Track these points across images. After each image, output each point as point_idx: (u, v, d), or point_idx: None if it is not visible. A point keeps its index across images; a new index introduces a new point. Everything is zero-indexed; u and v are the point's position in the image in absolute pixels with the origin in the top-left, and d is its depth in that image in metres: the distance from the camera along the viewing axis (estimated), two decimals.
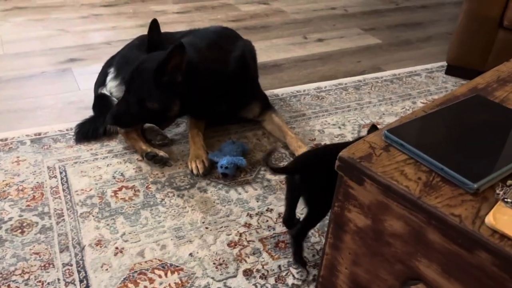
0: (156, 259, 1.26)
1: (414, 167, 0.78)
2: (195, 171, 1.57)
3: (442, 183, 0.75)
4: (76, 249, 1.28)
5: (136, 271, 1.23)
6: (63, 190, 1.48)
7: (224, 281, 1.22)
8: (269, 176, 1.60)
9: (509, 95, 1.03)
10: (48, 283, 1.18)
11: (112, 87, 1.87)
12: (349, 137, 1.85)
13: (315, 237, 1.37)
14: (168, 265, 1.25)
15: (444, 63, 2.47)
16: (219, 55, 1.73)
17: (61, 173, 1.55)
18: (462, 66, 2.38)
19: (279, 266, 1.27)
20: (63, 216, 1.38)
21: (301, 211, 1.33)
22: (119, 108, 1.61)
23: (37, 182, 1.50)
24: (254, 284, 1.21)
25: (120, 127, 1.67)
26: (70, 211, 1.40)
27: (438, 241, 0.72)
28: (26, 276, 1.19)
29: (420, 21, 3.24)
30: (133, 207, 1.44)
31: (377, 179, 0.76)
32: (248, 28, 2.87)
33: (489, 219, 0.67)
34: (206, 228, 1.38)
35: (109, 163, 1.61)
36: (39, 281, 1.18)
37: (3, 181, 1.50)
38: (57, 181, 1.51)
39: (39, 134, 1.73)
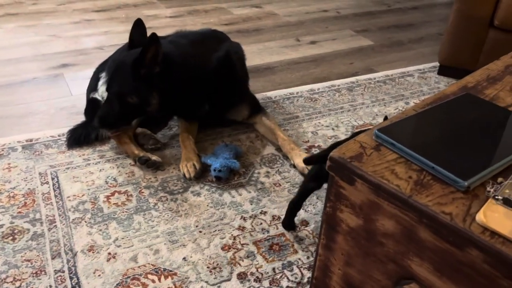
0: (149, 264, 1.25)
1: (405, 166, 0.78)
2: (187, 175, 1.56)
3: (433, 181, 0.74)
4: (68, 256, 1.26)
5: (129, 277, 1.21)
6: (55, 196, 1.47)
7: (218, 285, 1.21)
8: (262, 178, 1.60)
9: (498, 93, 1.03)
10: None
11: (104, 91, 1.86)
12: (343, 138, 1.84)
13: (310, 239, 1.36)
14: (162, 269, 1.24)
15: (436, 64, 2.48)
16: (200, 52, 1.72)
17: (53, 179, 1.54)
18: (454, 66, 2.39)
19: (273, 269, 1.26)
20: (55, 222, 1.37)
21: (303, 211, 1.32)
22: (103, 110, 1.61)
23: (29, 189, 1.49)
24: None
25: (107, 128, 1.65)
26: (62, 217, 1.39)
27: (429, 239, 0.71)
28: (17, 284, 1.18)
29: (411, 22, 3.25)
30: (126, 212, 1.43)
31: (368, 179, 0.76)
32: (241, 31, 2.87)
33: (480, 216, 0.67)
34: (200, 232, 1.37)
35: (101, 168, 1.60)
36: None
37: None
38: (49, 187, 1.50)
39: (31, 140, 1.72)
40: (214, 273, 1.24)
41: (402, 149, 0.79)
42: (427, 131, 0.86)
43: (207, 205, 1.47)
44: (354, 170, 0.77)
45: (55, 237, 1.32)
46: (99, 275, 1.21)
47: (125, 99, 1.57)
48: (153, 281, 1.21)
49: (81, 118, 1.84)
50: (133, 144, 1.67)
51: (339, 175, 0.81)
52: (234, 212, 1.45)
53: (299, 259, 1.29)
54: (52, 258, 1.25)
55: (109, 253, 1.28)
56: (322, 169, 1.19)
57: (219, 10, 3.23)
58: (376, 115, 2.03)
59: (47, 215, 1.39)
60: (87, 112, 1.86)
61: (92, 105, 1.87)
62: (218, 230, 1.38)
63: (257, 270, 1.25)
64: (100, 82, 1.89)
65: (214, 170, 1.55)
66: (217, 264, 1.26)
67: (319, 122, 1.95)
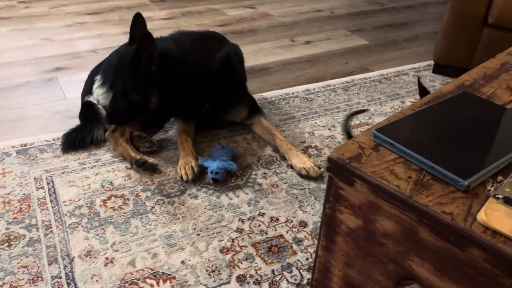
0: (147, 268, 1.24)
1: (404, 166, 0.77)
2: (184, 177, 1.55)
3: (433, 181, 0.74)
4: (65, 261, 1.25)
5: (127, 281, 1.20)
6: (51, 201, 1.45)
7: None
8: (260, 180, 1.59)
9: (495, 91, 1.03)
10: None
11: (99, 94, 1.85)
12: (339, 138, 1.84)
13: (308, 240, 1.36)
14: (160, 273, 1.23)
15: (431, 62, 2.49)
16: (202, 51, 1.72)
17: (48, 183, 1.52)
18: (449, 65, 2.39)
19: (273, 271, 1.25)
20: (51, 227, 1.35)
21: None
22: (111, 107, 1.64)
23: (24, 194, 1.48)
24: None
25: (117, 124, 1.66)
26: (58, 222, 1.37)
27: (430, 239, 0.71)
28: None
29: (406, 21, 3.26)
30: (123, 216, 1.41)
31: (367, 179, 0.75)
32: (235, 32, 2.86)
33: (481, 215, 0.66)
34: (198, 234, 1.36)
35: (97, 172, 1.59)
36: None
37: None
38: (44, 192, 1.49)
39: (25, 145, 1.71)
40: (213, 276, 1.23)
41: (401, 149, 0.79)
42: (426, 130, 0.86)
43: (205, 208, 1.46)
44: (353, 171, 0.77)
45: (51, 242, 1.31)
46: (97, 280, 1.20)
47: (128, 97, 1.58)
48: (152, 285, 1.20)
49: (76, 122, 1.83)
50: (129, 147, 1.65)
51: (338, 176, 0.80)
52: (232, 214, 1.44)
53: (298, 260, 1.29)
54: (49, 264, 1.24)
55: (107, 258, 1.27)
56: None
57: (213, 11, 3.22)
58: (372, 114, 2.03)
59: (43, 220, 1.38)
60: (82, 115, 1.85)
61: (87, 108, 1.86)
62: (216, 233, 1.37)
63: (256, 272, 1.25)
64: (95, 85, 1.87)
65: (211, 173, 1.54)
66: (216, 267, 1.25)
67: (316, 122, 1.95)
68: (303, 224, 1.41)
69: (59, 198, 1.47)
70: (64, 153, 1.67)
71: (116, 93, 1.62)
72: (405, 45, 2.85)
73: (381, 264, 0.81)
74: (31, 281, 1.19)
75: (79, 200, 1.47)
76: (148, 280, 1.21)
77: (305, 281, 1.23)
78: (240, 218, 1.43)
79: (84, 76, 2.03)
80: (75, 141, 1.68)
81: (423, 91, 1.92)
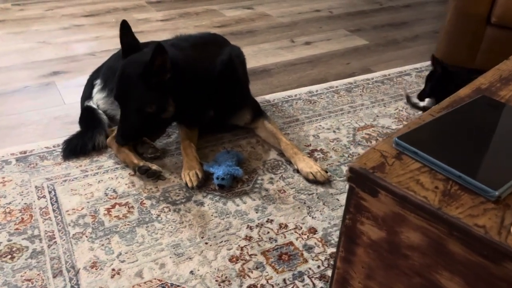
0: (155, 279, 1.21)
1: (430, 176, 0.74)
2: (189, 184, 1.51)
3: (461, 191, 0.71)
4: (70, 273, 1.21)
5: None
6: (53, 210, 1.41)
7: None
8: (266, 185, 1.56)
9: None
10: None
11: (99, 99, 1.81)
12: (345, 141, 1.82)
13: (319, 247, 1.33)
14: (169, 284, 1.19)
15: None
16: (204, 56, 1.69)
17: (50, 192, 1.48)
18: (451, 64, 2.37)
19: (284, 280, 1.22)
20: (55, 238, 1.31)
21: None
22: (123, 126, 1.57)
23: (25, 204, 1.44)
24: None
25: (132, 141, 1.62)
26: (62, 233, 1.33)
27: (460, 252, 0.68)
28: None
29: (405, 20, 3.24)
30: (128, 225, 1.38)
31: (393, 190, 0.72)
32: (234, 33, 2.83)
33: None
34: (206, 243, 1.32)
35: (100, 180, 1.55)
36: None
37: None
38: (46, 201, 1.45)
39: (25, 152, 1.66)
40: (223, 286, 1.20)
41: (425, 158, 0.76)
42: (449, 137, 0.83)
43: (212, 215, 1.43)
44: (378, 182, 0.74)
45: (55, 254, 1.27)
46: None
47: (144, 111, 1.53)
48: None
49: (76, 127, 1.79)
50: (132, 153, 1.62)
51: (360, 187, 0.77)
52: (239, 222, 1.41)
53: (310, 268, 1.26)
54: (54, 277, 1.20)
55: (113, 269, 1.23)
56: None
57: (211, 12, 3.18)
58: (377, 116, 2.01)
59: (46, 231, 1.34)
60: (82, 120, 1.81)
61: (87, 113, 1.82)
62: (225, 241, 1.33)
63: (267, 282, 1.22)
64: (95, 90, 1.84)
65: (217, 178, 1.51)
66: (226, 277, 1.22)
67: (320, 125, 1.92)
68: (313, 230, 1.38)
69: (62, 207, 1.43)
70: (65, 160, 1.63)
71: (127, 110, 1.55)
72: (405, 44, 2.84)
73: (405, 276, 0.78)
74: None
75: (82, 209, 1.43)
76: None
77: None
78: (248, 225, 1.39)
79: (83, 79, 1.99)
80: (77, 148, 1.64)
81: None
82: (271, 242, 1.34)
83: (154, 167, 1.57)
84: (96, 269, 1.23)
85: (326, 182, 1.57)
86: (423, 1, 3.66)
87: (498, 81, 1.07)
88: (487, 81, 1.07)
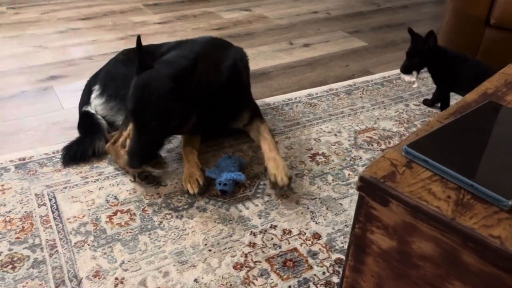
0: None
1: (441, 184, 0.74)
2: (190, 191, 1.50)
3: (474, 200, 0.70)
4: (73, 283, 1.20)
5: None
6: (54, 218, 1.40)
7: None
8: (269, 190, 1.55)
9: None
10: None
11: (98, 104, 1.79)
12: (346, 144, 1.81)
13: (323, 253, 1.32)
14: None
15: None
16: (211, 64, 1.66)
17: (50, 200, 1.46)
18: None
19: (290, 287, 1.21)
20: (56, 247, 1.30)
21: None
22: (139, 145, 1.43)
23: (25, 212, 1.42)
24: None
25: (149, 162, 1.52)
26: (64, 241, 1.32)
27: (474, 263, 0.67)
28: None
29: (402, 21, 3.24)
30: (130, 232, 1.36)
31: (405, 200, 0.71)
32: (232, 36, 2.81)
33: None
34: (209, 250, 1.31)
35: (101, 186, 1.53)
36: None
37: None
38: (46, 209, 1.43)
39: (24, 159, 1.64)
40: None
41: (436, 167, 0.75)
42: (458, 144, 0.82)
43: (214, 221, 1.41)
44: (389, 191, 0.73)
45: (57, 263, 1.25)
46: None
47: (167, 125, 1.45)
48: None
49: (75, 133, 1.77)
50: None
51: (370, 196, 0.76)
52: (243, 228, 1.39)
53: (315, 275, 1.25)
54: (56, 287, 1.18)
55: (116, 278, 1.21)
56: None
57: (208, 15, 3.17)
58: (378, 118, 2.00)
59: (47, 239, 1.32)
60: (81, 126, 1.79)
61: (85, 119, 1.80)
62: (228, 248, 1.32)
63: None
64: (93, 95, 1.82)
65: (219, 184, 1.50)
66: (231, 285, 1.21)
67: (321, 128, 1.91)
68: (317, 236, 1.37)
69: (63, 215, 1.41)
70: (65, 166, 1.61)
71: (146, 126, 1.42)
72: (403, 46, 2.81)
73: (416, 286, 0.78)
74: None
75: (83, 216, 1.41)
76: None
77: None
78: (251, 231, 1.38)
79: (81, 84, 1.97)
80: (76, 154, 1.62)
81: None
82: (275, 249, 1.33)
83: (154, 173, 1.55)
84: (99, 278, 1.21)
85: (285, 189, 1.51)
86: (420, 2, 3.66)
87: (504, 86, 1.06)
88: (493, 85, 1.07)
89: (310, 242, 1.35)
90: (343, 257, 1.30)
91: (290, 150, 1.76)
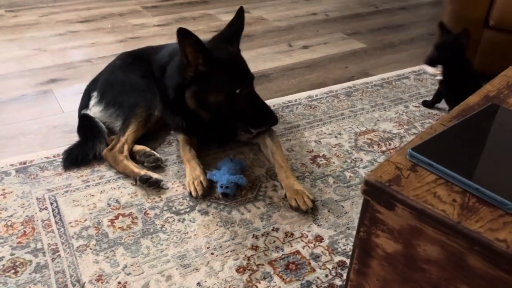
0: None
1: (446, 188, 0.74)
2: (193, 193, 1.50)
3: (479, 204, 0.71)
4: (75, 287, 1.19)
5: None
6: (56, 222, 1.39)
7: None
8: (270, 193, 1.55)
9: None
10: None
11: (96, 112, 1.79)
12: (347, 146, 1.81)
13: (326, 255, 1.32)
14: None
15: None
16: None
17: (52, 204, 1.46)
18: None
19: None
20: (59, 251, 1.29)
21: None
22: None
23: (27, 216, 1.41)
24: None
25: None
26: (66, 246, 1.31)
27: (480, 267, 0.68)
28: None
29: (400, 23, 3.25)
30: (133, 236, 1.36)
31: (410, 204, 0.72)
32: None
33: None
34: (212, 253, 1.31)
35: (102, 190, 1.53)
36: None
37: None
38: (48, 213, 1.43)
39: (24, 162, 1.64)
40: None
41: (441, 170, 0.75)
42: (462, 147, 0.83)
43: (216, 224, 1.41)
44: (394, 195, 0.73)
45: (60, 267, 1.25)
46: None
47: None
48: None
49: (75, 136, 1.77)
50: (130, 163, 1.59)
51: (376, 200, 0.77)
52: (245, 231, 1.39)
53: (318, 278, 1.25)
54: None
55: (119, 282, 1.21)
56: None
57: (207, 17, 3.17)
58: (378, 120, 2.01)
59: (49, 244, 1.32)
60: (81, 130, 1.79)
61: (85, 122, 1.79)
62: (231, 251, 1.32)
63: None
64: (92, 102, 1.82)
65: (221, 187, 1.50)
66: None
67: (321, 130, 1.92)
68: (319, 238, 1.38)
69: (64, 219, 1.41)
70: (66, 170, 1.61)
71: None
72: (402, 47, 2.84)
73: None
74: None
75: (85, 220, 1.41)
76: None
77: None
78: (254, 234, 1.38)
79: (80, 87, 1.98)
80: (77, 158, 1.62)
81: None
82: (277, 251, 1.33)
83: (155, 176, 1.55)
84: (102, 282, 1.21)
85: (309, 211, 1.45)
86: (417, 3, 3.68)
87: (505, 88, 1.07)
88: (495, 88, 1.07)
89: (312, 245, 1.35)
90: (345, 259, 1.30)
91: (291, 153, 1.76)
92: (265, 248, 1.34)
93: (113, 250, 1.31)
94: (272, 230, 1.40)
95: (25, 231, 1.36)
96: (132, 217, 1.43)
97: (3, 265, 1.25)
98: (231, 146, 1.78)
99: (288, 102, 2.11)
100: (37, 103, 2.05)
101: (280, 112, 2.03)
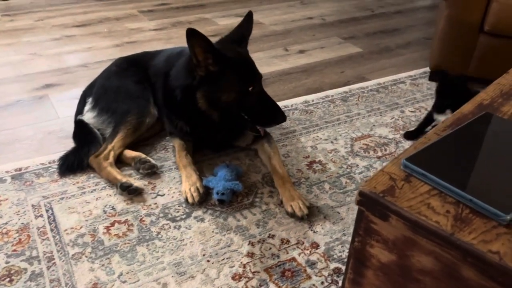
0: None
1: (440, 199, 0.74)
2: (190, 200, 1.50)
3: (472, 215, 0.71)
4: None
5: None
6: (51, 230, 1.39)
7: None
8: (266, 199, 1.55)
9: None
10: None
11: (90, 118, 1.78)
12: (343, 152, 1.82)
13: (322, 262, 1.32)
14: None
15: (427, 69, 2.49)
16: None
17: (47, 211, 1.46)
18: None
19: None
20: (54, 259, 1.29)
21: None
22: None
23: (22, 223, 1.41)
24: None
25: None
26: (61, 253, 1.31)
27: (473, 278, 0.68)
28: None
29: (396, 27, 3.26)
30: (128, 243, 1.36)
31: (404, 215, 0.72)
32: None
33: None
34: (208, 261, 1.31)
35: (98, 197, 1.53)
36: None
37: None
38: (43, 220, 1.42)
39: (20, 169, 1.63)
40: None
41: (435, 181, 0.75)
42: (456, 157, 0.83)
43: (212, 231, 1.41)
44: (388, 206, 0.73)
45: (55, 276, 1.24)
46: None
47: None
48: None
49: (71, 142, 1.77)
50: (114, 170, 1.58)
51: (370, 210, 0.77)
52: (241, 238, 1.39)
53: (313, 285, 1.25)
54: None
55: None
56: None
57: (204, 21, 3.17)
58: (373, 125, 2.01)
59: (44, 251, 1.31)
60: (76, 136, 1.79)
61: (80, 128, 1.79)
62: (227, 258, 1.32)
63: None
64: (87, 108, 1.82)
65: (217, 193, 1.49)
66: None
67: (317, 136, 1.92)
68: (315, 245, 1.38)
69: (60, 227, 1.40)
70: (61, 176, 1.60)
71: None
72: (398, 51, 2.85)
73: None
74: None
75: (81, 228, 1.40)
76: None
77: None
78: (250, 241, 1.38)
79: (76, 92, 1.97)
80: (73, 164, 1.62)
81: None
82: (273, 258, 1.33)
83: (136, 184, 1.53)
84: None
85: (304, 218, 1.45)
86: (413, 7, 3.69)
87: (499, 96, 1.07)
88: (489, 96, 1.07)
89: (308, 252, 1.35)
90: (341, 266, 1.31)
91: (287, 158, 1.77)
92: (261, 255, 1.34)
93: (108, 258, 1.30)
94: (268, 237, 1.40)
95: (20, 239, 1.35)
96: (128, 224, 1.42)
97: None
98: (227, 152, 1.78)
99: (284, 107, 2.11)
100: (33, 108, 2.05)
101: None
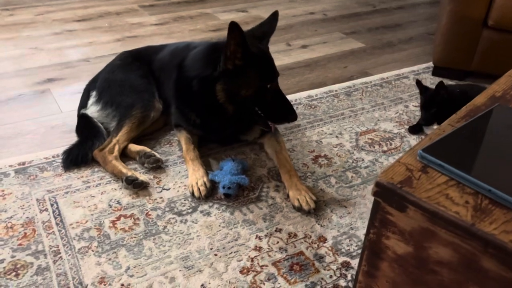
0: None
1: (458, 189, 0.73)
2: (196, 194, 1.49)
3: (492, 205, 0.70)
4: None
5: None
6: (57, 224, 1.38)
7: None
8: (272, 193, 1.54)
9: None
10: None
11: (94, 111, 1.77)
12: (348, 146, 1.81)
13: (330, 256, 1.31)
14: None
15: (430, 64, 2.48)
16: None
17: (52, 205, 1.45)
18: (448, 67, 2.38)
19: None
20: (60, 253, 1.28)
21: None
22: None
23: (27, 217, 1.40)
24: None
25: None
26: (67, 247, 1.30)
27: (494, 269, 0.67)
28: None
29: (398, 22, 3.25)
30: (135, 237, 1.35)
31: (422, 206, 0.71)
32: None
33: None
34: (215, 255, 1.30)
35: (103, 191, 1.52)
36: None
37: None
38: (48, 214, 1.41)
39: (23, 163, 1.62)
40: None
41: (453, 171, 0.75)
42: (472, 148, 0.82)
43: (219, 225, 1.40)
44: (406, 197, 0.73)
45: (61, 270, 1.23)
46: None
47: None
48: None
49: (74, 136, 1.76)
50: (119, 163, 1.57)
51: (387, 201, 0.76)
52: (248, 232, 1.39)
53: (322, 278, 1.24)
54: None
55: (122, 285, 1.20)
56: None
57: (205, 16, 3.16)
58: (378, 120, 2.00)
59: (50, 246, 1.30)
60: (79, 129, 1.78)
61: (83, 121, 1.78)
62: (234, 252, 1.31)
63: None
64: (90, 101, 1.80)
65: (223, 188, 1.49)
66: None
67: (322, 130, 1.91)
68: (323, 239, 1.37)
69: (65, 221, 1.39)
70: (66, 170, 1.59)
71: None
72: (401, 47, 2.84)
73: None
74: None
75: (86, 222, 1.39)
76: None
77: None
78: (257, 235, 1.37)
79: (78, 86, 1.96)
80: (77, 158, 1.60)
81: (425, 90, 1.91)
82: (281, 252, 1.32)
83: (142, 178, 1.52)
84: (104, 284, 1.20)
85: (311, 212, 1.45)
86: (415, 2, 3.68)
87: (511, 88, 1.07)
88: (501, 88, 1.07)
89: (316, 245, 1.35)
90: (349, 260, 1.30)
91: (292, 153, 1.76)
92: (268, 249, 1.33)
93: (115, 252, 1.29)
94: (275, 230, 1.39)
95: (25, 233, 1.34)
96: (134, 218, 1.41)
97: (4, 267, 1.23)
98: (232, 146, 1.77)
99: None
100: (35, 103, 2.03)
101: None
